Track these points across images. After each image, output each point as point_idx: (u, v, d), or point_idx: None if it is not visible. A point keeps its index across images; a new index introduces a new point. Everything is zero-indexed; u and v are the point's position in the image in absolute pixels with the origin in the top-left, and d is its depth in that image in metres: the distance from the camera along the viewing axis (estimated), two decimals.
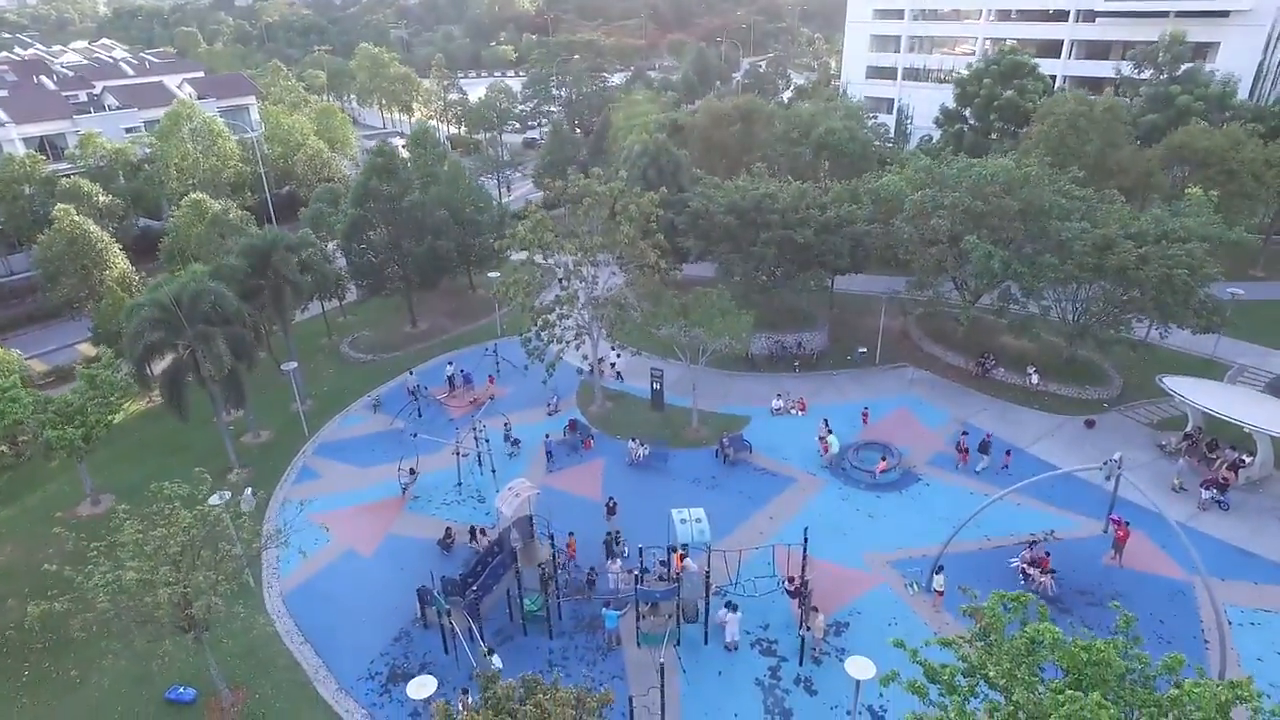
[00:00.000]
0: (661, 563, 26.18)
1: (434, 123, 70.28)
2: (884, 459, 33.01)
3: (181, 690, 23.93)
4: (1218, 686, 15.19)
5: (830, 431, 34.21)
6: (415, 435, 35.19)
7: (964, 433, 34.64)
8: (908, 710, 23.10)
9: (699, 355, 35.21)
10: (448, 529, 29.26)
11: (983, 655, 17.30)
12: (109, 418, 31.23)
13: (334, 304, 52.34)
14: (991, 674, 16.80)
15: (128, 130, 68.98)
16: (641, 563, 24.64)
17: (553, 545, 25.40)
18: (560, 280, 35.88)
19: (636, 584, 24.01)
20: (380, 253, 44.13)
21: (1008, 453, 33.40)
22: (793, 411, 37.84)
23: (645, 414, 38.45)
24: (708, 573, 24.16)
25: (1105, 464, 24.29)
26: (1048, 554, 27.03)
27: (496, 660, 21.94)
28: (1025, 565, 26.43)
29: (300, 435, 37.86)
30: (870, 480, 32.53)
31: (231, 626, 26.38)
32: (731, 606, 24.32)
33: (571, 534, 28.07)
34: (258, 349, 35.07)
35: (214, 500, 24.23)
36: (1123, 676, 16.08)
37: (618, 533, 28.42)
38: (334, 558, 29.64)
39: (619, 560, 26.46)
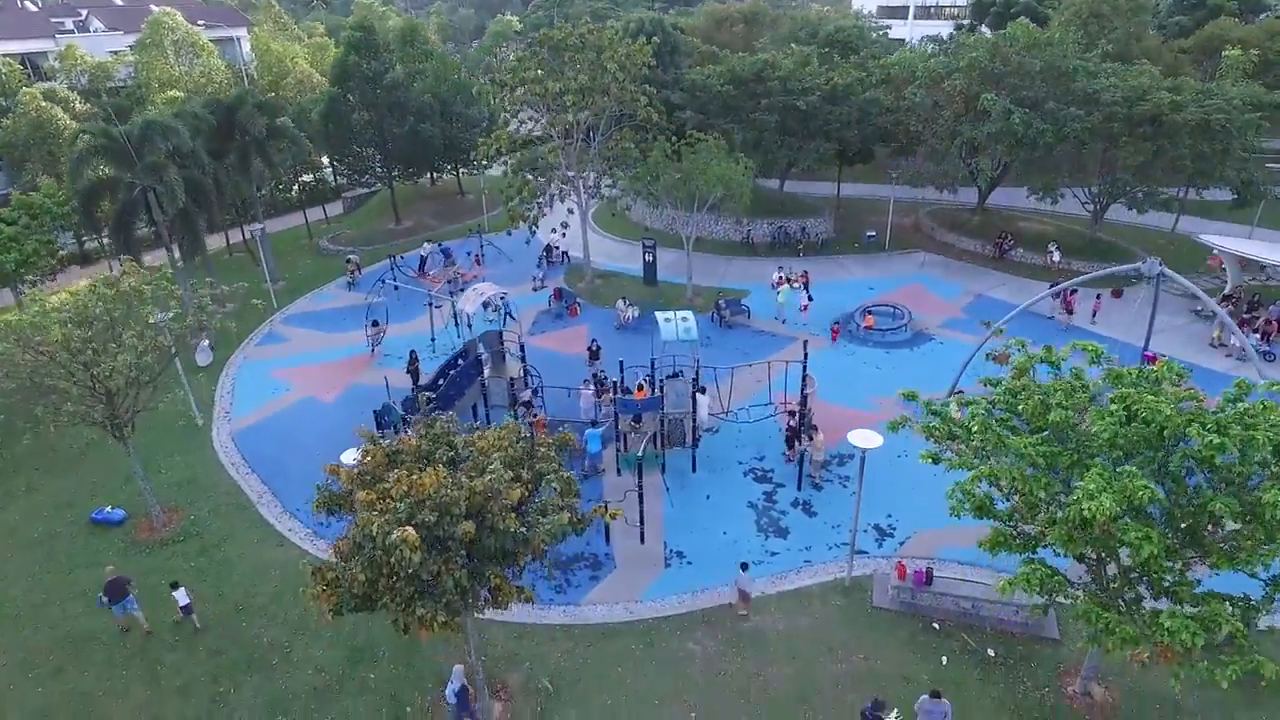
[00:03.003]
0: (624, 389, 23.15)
1: None
2: (869, 314, 30.91)
3: (109, 510, 21.55)
4: None
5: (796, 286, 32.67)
6: (385, 282, 32.62)
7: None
8: (916, 530, 20.66)
9: (694, 210, 32.52)
10: (412, 353, 26.81)
11: (1009, 399, 14.61)
12: (47, 249, 28.88)
13: (319, 216, 50.31)
14: (1021, 408, 14.16)
15: (113, 54, 66.89)
16: (621, 379, 22.04)
17: (523, 360, 22.83)
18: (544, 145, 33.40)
19: (615, 394, 21.49)
20: (360, 134, 41.63)
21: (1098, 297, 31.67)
22: (795, 284, 35.15)
23: (637, 289, 35.84)
24: (694, 380, 21.59)
25: (1145, 263, 21.50)
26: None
27: None
28: None
29: (269, 309, 35.47)
30: (867, 336, 30.22)
31: (171, 459, 24.22)
32: (701, 390, 21.97)
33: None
34: (218, 204, 32.56)
35: (156, 317, 21.83)
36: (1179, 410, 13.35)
37: (602, 373, 25.94)
38: (291, 403, 27.26)
39: (593, 386, 23.88)
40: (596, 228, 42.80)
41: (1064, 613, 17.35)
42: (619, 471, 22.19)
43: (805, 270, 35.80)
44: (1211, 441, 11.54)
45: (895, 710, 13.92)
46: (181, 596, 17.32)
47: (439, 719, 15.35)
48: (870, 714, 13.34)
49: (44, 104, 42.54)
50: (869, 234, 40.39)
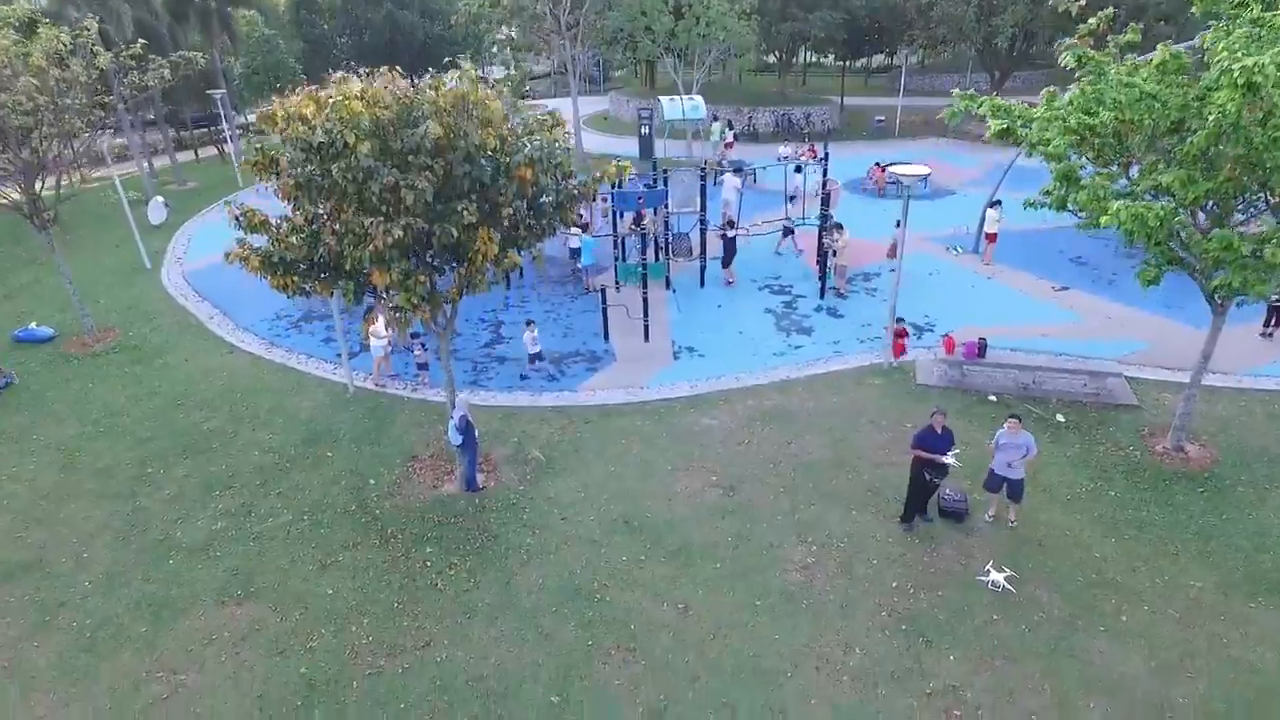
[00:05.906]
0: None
1: None
2: (879, 165, 28.62)
3: (34, 327, 18.84)
4: None
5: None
6: None
7: None
8: (957, 325, 18.23)
9: (696, 71, 30.13)
10: None
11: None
12: None
13: None
14: (1112, 71, 11.66)
15: None
16: (619, 181, 19.46)
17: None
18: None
19: (614, 190, 18.97)
20: (331, 18, 38.91)
21: None
22: (802, 159, 32.69)
23: (634, 164, 33.37)
24: (701, 174, 19.08)
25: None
26: None
27: None
28: None
29: (234, 186, 32.83)
30: (887, 189, 28.03)
31: (112, 292, 21.57)
32: (736, 170, 19.54)
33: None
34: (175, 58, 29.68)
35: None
36: None
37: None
38: None
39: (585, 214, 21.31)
40: (588, 127, 40.39)
41: (1139, 385, 15.00)
42: (617, 284, 19.64)
43: (812, 144, 33.41)
44: None
45: (958, 450, 11.49)
46: None
47: (409, 489, 12.78)
48: (921, 434, 10.81)
49: None
50: (877, 119, 38.11)
